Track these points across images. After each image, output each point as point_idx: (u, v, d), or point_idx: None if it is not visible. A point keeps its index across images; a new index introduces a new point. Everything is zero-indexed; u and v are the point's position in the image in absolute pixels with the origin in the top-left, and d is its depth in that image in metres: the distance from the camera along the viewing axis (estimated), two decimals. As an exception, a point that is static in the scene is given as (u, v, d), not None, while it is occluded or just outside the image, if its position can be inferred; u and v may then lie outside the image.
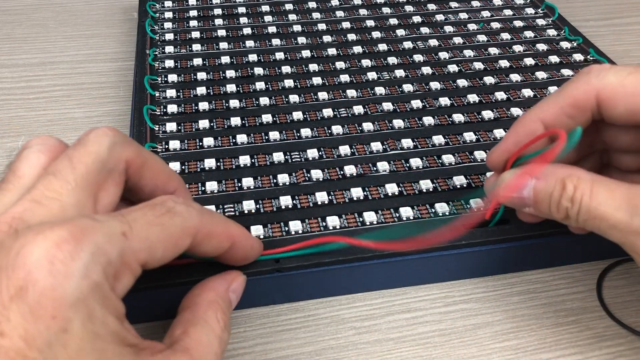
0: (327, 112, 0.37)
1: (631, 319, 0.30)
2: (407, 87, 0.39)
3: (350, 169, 0.33)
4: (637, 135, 0.26)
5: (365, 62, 0.41)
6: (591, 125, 0.26)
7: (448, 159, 0.33)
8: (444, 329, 0.29)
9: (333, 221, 0.29)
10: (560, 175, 0.24)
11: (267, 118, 0.36)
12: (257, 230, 0.29)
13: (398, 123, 0.36)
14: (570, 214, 0.24)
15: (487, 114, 0.37)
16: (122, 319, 0.19)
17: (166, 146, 0.34)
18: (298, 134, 0.35)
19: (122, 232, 0.19)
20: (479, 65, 0.41)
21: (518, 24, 0.46)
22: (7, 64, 0.47)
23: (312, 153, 0.34)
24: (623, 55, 0.48)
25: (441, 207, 0.30)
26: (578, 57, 0.42)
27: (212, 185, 0.31)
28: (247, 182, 0.32)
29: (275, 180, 0.32)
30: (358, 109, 0.37)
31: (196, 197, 0.31)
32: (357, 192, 0.31)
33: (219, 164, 0.33)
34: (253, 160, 0.33)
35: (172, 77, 0.39)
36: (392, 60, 0.41)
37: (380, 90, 0.39)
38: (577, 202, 0.23)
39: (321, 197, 0.31)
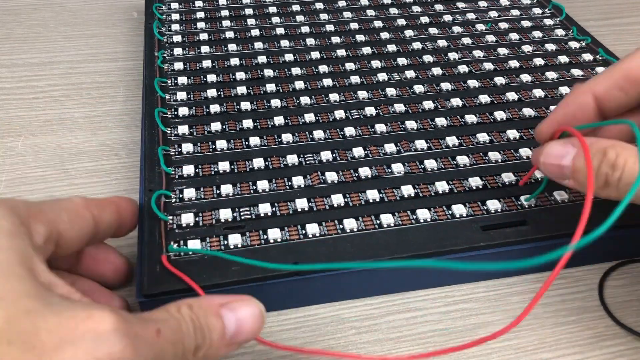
0: (339, 114, 0.37)
1: (631, 319, 0.30)
2: (418, 88, 0.39)
3: (364, 171, 0.32)
4: None
5: (375, 63, 0.41)
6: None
7: (462, 160, 0.33)
8: (444, 329, 0.29)
9: (350, 224, 0.29)
10: (602, 145, 0.23)
11: (279, 120, 0.36)
12: (275, 233, 0.29)
13: (410, 124, 0.36)
14: (610, 180, 0.23)
15: (499, 115, 0.37)
16: (33, 258, 0.21)
17: (179, 149, 0.34)
18: (311, 136, 0.35)
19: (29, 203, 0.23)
20: (488, 66, 0.41)
21: (526, 24, 0.46)
22: (7, 64, 0.47)
23: (326, 155, 0.33)
24: (623, 55, 0.48)
25: (458, 209, 0.30)
26: (587, 57, 0.42)
27: (227, 189, 0.31)
28: (262, 184, 0.31)
29: (290, 183, 0.32)
30: (370, 110, 0.37)
31: (211, 200, 0.31)
32: (372, 194, 0.31)
33: (232, 166, 0.33)
34: (267, 163, 0.33)
35: (182, 80, 0.39)
36: (401, 61, 0.41)
37: (391, 91, 0.39)
38: (620, 167, 0.23)
39: (337, 199, 0.31)
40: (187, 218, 0.29)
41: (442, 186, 0.32)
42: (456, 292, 0.31)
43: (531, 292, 0.31)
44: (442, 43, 0.43)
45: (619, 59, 0.26)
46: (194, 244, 0.28)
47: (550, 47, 0.43)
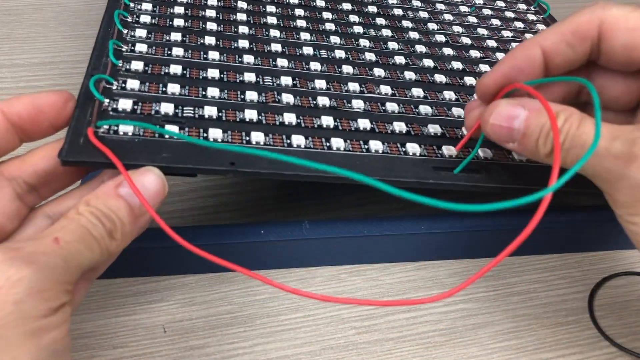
0: (307, 50, 0.35)
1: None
2: (392, 45, 0.38)
3: (323, 100, 0.31)
4: (627, 85, 0.25)
5: (353, 18, 0.40)
6: (583, 71, 0.26)
7: (425, 109, 0.32)
8: (444, 328, 0.29)
9: (298, 140, 0.28)
10: (554, 109, 0.23)
11: (243, 43, 0.34)
12: (216, 133, 0.27)
13: (378, 72, 0.35)
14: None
15: (469, 80, 0.36)
16: None
17: (132, 47, 0.32)
18: (274, 63, 0.33)
19: None
20: (466, 40, 0.40)
21: (509, 15, 0.45)
22: (7, 64, 0.46)
23: (286, 80, 0.32)
24: None
25: (412, 147, 0.29)
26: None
27: (174, 88, 0.29)
28: (213, 91, 0.30)
29: (242, 96, 0.30)
30: (339, 53, 0.36)
31: (155, 94, 0.28)
32: (327, 120, 0.29)
33: (185, 71, 0.31)
34: (222, 75, 0.31)
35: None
36: (380, 21, 0.40)
37: (364, 42, 0.37)
38: (565, 132, 0.22)
39: (289, 117, 0.29)
40: (125, 103, 0.27)
41: (399, 126, 0.30)
42: None
43: (531, 292, 0.31)
44: (423, 14, 0.43)
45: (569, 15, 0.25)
46: (126, 127, 0.26)
47: (529, 35, 0.43)
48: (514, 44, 0.41)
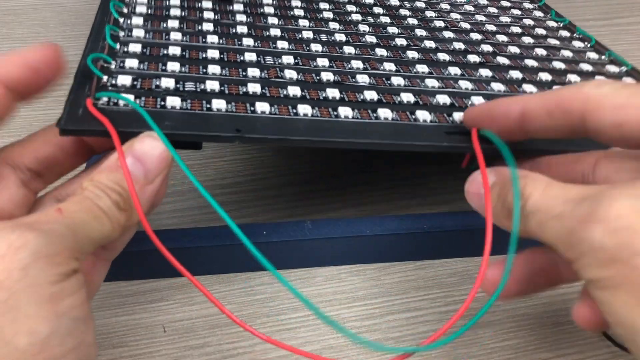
0: (307, 34, 0.35)
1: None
2: (392, 29, 0.37)
3: (327, 75, 0.30)
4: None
5: (350, 8, 0.40)
6: (588, 161, 0.25)
7: (431, 82, 0.31)
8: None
9: (304, 109, 0.27)
10: (520, 174, 0.22)
11: (242, 29, 0.34)
12: (220, 104, 0.26)
13: (380, 51, 0.34)
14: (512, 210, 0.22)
15: (473, 58, 0.35)
16: None
17: (129, 33, 0.31)
18: (274, 45, 0.33)
19: None
20: (465, 25, 0.40)
21: (505, 3, 0.45)
22: None
23: (288, 59, 0.31)
24: (623, 55, 0.48)
25: (422, 115, 0.28)
26: (564, 34, 0.41)
27: (173, 66, 0.28)
28: (214, 69, 0.29)
29: (244, 73, 0.29)
30: (340, 37, 0.35)
31: (154, 72, 0.28)
32: (332, 92, 0.28)
33: (184, 52, 0.30)
34: (222, 56, 0.30)
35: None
36: (377, 10, 0.40)
37: (364, 27, 0.37)
38: (526, 196, 0.21)
39: (293, 90, 0.28)
40: (124, 79, 0.26)
41: (407, 97, 0.29)
42: (456, 292, 0.31)
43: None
44: (420, 4, 0.42)
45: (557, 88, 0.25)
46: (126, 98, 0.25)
47: (528, 22, 0.42)
48: (513, 28, 0.41)
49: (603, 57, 0.38)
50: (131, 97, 0.25)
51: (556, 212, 0.20)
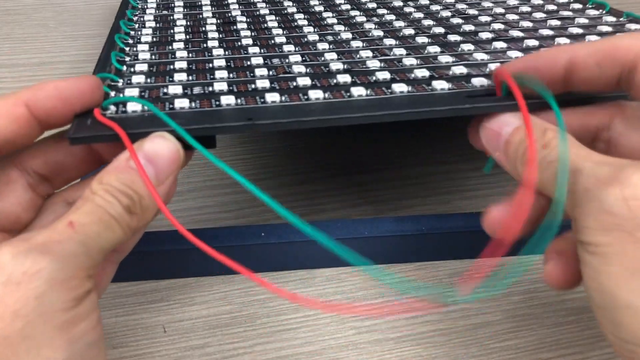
0: (312, 37, 0.34)
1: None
2: (398, 23, 0.37)
3: (335, 65, 0.29)
4: None
5: (354, 12, 0.40)
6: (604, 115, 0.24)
7: (445, 58, 0.30)
8: (444, 328, 0.29)
9: (316, 94, 0.26)
10: (544, 125, 0.22)
11: (246, 41, 0.34)
12: (229, 99, 0.25)
13: (389, 41, 0.33)
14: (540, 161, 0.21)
15: (485, 35, 0.34)
16: None
17: (135, 56, 0.31)
18: (280, 50, 0.32)
19: None
20: (473, 12, 0.39)
21: None
22: (7, 64, 0.46)
23: (295, 58, 0.31)
24: None
25: (439, 84, 0.27)
26: (577, 6, 0.40)
27: (180, 76, 0.28)
28: (221, 74, 0.29)
29: (252, 74, 0.29)
30: (345, 35, 0.35)
31: (162, 84, 0.27)
32: (343, 78, 0.28)
33: (190, 66, 0.30)
34: (229, 64, 0.30)
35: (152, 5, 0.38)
36: (381, 11, 0.40)
37: (369, 25, 0.36)
38: (551, 146, 0.21)
39: (303, 81, 0.27)
40: (132, 92, 0.26)
41: (422, 72, 0.28)
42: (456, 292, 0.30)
43: (531, 292, 0.31)
44: (423, 1, 0.42)
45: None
46: (134, 105, 0.24)
47: (537, 1, 0.41)
48: (523, 8, 0.40)
49: (621, 18, 0.37)
50: (138, 105, 0.24)
51: (576, 167, 0.20)
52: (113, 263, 0.23)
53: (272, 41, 0.34)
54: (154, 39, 0.34)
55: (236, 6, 0.41)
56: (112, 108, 0.24)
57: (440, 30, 0.35)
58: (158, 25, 0.37)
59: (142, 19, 0.38)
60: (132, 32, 0.35)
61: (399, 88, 0.26)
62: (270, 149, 0.40)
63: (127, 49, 0.32)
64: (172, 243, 0.29)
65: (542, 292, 0.31)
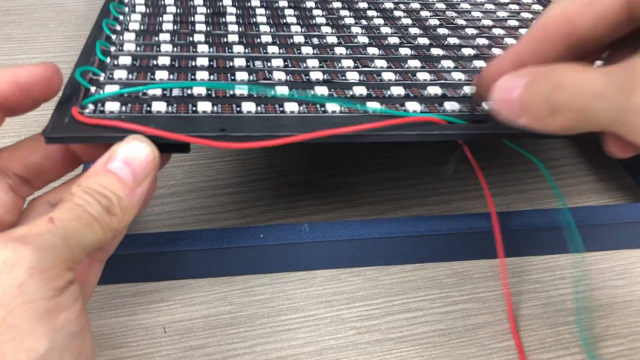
0: (298, 39, 0.35)
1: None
2: (385, 29, 0.37)
3: (316, 75, 0.30)
4: None
5: (344, 13, 0.40)
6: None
7: (423, 75, 0.31)
8: (444, 329, 0.29)
9: (291, 106, 0.27)
10: (547, 69, 0.20)
11: (233, 37, 0.34)
12: (205, 106, 0.26)
13: (372, 50, 0.34)
14: (555, 102, 0.20)
15: (467, 51, 0.35)
16: None
17: (120, 47, 0.31)
18: (264, 51, 0.33)
19: None
20: (460, 21, 0.40)
21: (503, -1, 0.45)
22: (7, 64, 0.46)
23: (277, 62, 0.31)
24: None
25: (412, 106, 0.28)
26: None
27: (162, 74, 0.29)
28: (202, 74, 0.29)
29: (232, 77, 0.29)
30: (331, 39, 0.35)
31: (143, 81, 0.28)
32: (321, 90, 0.28)
33: (173, 62, 0.30)
34: (212, 63, 0.31)
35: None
36: (371, 13, 0.40)
37: (356, 29, 0.37)
38: (559, 84, 0.20)
39: (282, 90, 0.28)
40: (112, 89, 0.27)
41: (397, 90, 0.29)
42: (456, 292, 0.31)
43: (531, 292, 0.31)
44: (414, 5, 0.42)
45: None
46: (112, 105, 0.25)
47: (527, 15, 0.42)
48: (510, 22, 0.40)
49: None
50: (117, 104, 0.25)
51: (597, 91, 0.18)
52: (99, 261, 0.24)
53: (258, 39, 0.34)
54: (142, 27, 0.34)
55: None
56: (91, 107, 0.25)
57: (425, 41, 0.36)
58: (148, 10, 0.37)
59: (132, 1, 0.38)
60: (121, 17, 0.35)
61: (372, 106, 0.27)
62: (270, 148, 0.41)
63: (113, 36, 0.33)
64: (172, 245, 0.29)
65: (542, 292, 0.31)
